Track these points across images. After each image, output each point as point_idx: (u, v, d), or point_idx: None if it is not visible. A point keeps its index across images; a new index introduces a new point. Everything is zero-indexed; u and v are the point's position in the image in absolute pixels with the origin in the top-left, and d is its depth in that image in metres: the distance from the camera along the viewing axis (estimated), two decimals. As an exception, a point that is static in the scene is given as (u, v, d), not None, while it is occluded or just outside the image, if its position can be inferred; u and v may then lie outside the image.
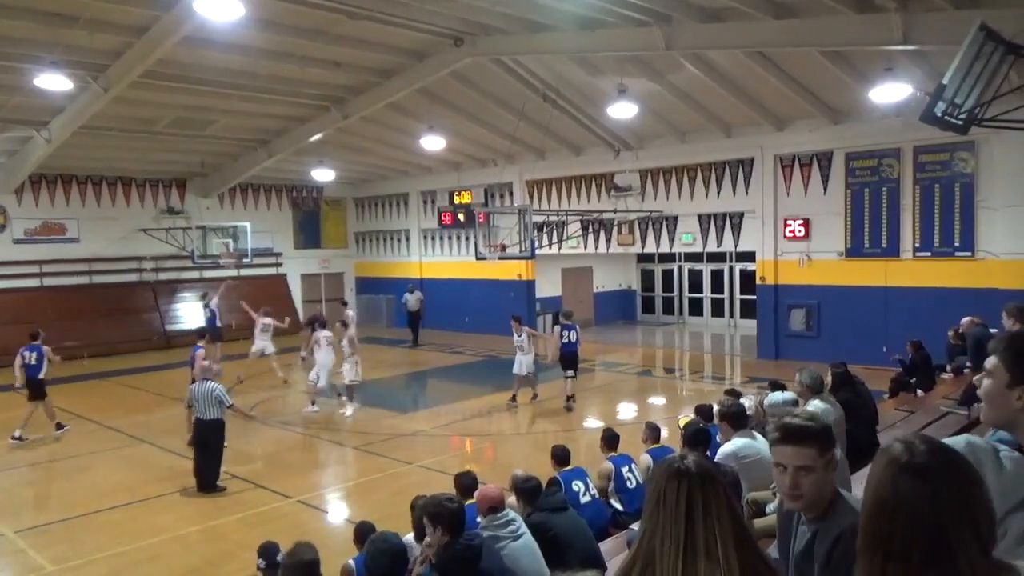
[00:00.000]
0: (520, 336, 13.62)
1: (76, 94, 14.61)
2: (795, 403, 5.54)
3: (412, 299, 22.10)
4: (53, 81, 12.75)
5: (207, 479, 9.25)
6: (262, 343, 15.89)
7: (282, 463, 10.93)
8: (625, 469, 6.87)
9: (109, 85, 14.07)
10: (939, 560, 1.33)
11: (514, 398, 13.74)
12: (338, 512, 9.06)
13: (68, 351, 19.74)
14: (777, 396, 5.81)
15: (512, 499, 5.58)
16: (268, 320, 16.02)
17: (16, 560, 7.62)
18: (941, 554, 1.33)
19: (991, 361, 1.98)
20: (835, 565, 2.31)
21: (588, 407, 13.65)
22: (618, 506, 6.72)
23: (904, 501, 1.36)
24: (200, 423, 9.32)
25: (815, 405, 5.60)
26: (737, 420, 5.66)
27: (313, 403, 13.45)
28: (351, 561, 5.02)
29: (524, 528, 4.72)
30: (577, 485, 6.42)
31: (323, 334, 13.50)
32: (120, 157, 20.52)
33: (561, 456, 6.80)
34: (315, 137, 19.07)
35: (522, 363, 13.57)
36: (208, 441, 9.28)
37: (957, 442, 1.84)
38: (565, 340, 13.30)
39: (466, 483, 5.70)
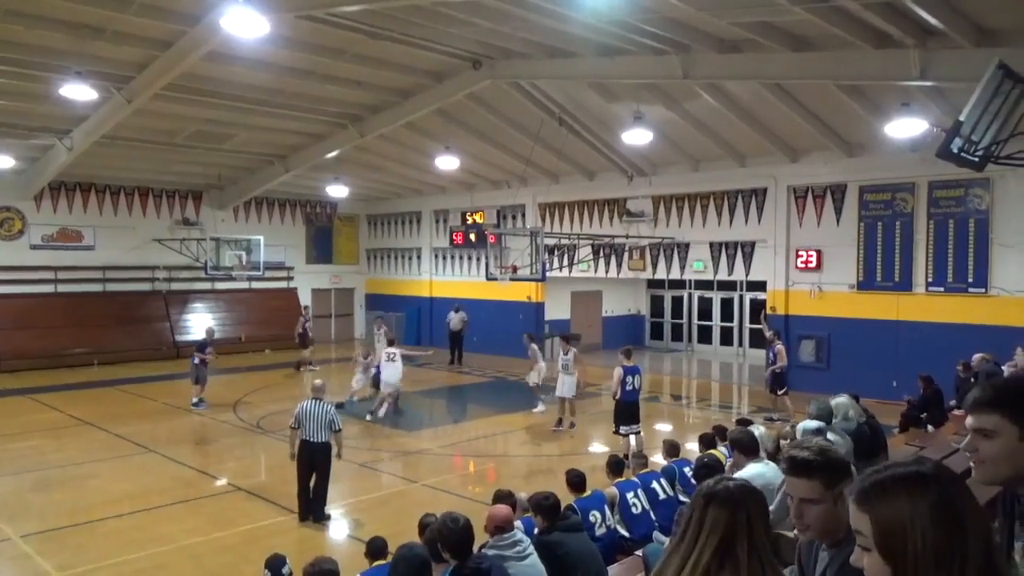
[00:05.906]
0: (567, 355, 13.42)
1: (100, 104, 14.83)
2: (822, 432, 5.62)
3: (456, 319, 22.12)
4: (78, 91, 12.93)
5: (317, 506, 8.84)
6: None
7: (287, 477, 10.88)
8: (631, 495, 6.82)
9: (132, 96, 14.29)
10: (993, 563, 1.47)
11: (560, 422, 13.43)
12: (340, 528, 9.02)
13: (78, 357, 20.01)
14: (810, 425, 5.93)
15: (518, 522, 5.57)
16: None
17: (22, 565, 7.63)
18: (995, 559, 1.47)
19: (989, 420, 1.87)
20: None
21: (592, 431, 13.57)
22: (623, 532, 6.67)
23: (976, 516, 1.47)
24: (308, 445, 8.79)
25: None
26: (748, 448, 5.69)
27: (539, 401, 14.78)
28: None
29: (531, 548, 4.71)
30: (594, 516, 6.26)
31: (533, 344, 15.20)
32: (139, 167, 20.78)
33: (576, 482, 6.55)
34: (332, 154, 19.26)
35: (565, 384, 13.33)
36: (316, 464, 8.83)
37: None
38: (629, 387, 11.36)
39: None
